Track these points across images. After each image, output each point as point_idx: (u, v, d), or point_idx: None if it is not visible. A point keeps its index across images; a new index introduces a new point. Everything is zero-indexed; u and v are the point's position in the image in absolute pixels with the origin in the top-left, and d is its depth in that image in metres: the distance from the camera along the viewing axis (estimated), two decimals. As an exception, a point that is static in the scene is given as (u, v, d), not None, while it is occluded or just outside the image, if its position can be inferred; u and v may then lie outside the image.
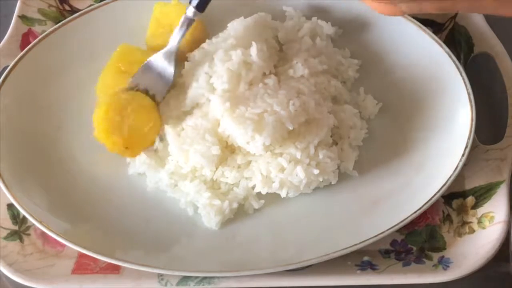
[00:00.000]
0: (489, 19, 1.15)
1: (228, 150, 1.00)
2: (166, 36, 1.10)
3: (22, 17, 1.18)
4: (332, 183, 0.99)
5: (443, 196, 0.97)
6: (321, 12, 1.16)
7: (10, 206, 0.98)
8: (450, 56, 1.06)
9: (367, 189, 0.99)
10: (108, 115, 0.99)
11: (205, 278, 0.90)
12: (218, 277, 0.90)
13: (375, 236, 0.90)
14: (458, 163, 0.95)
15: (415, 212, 0.92)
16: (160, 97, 1.04)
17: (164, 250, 0.94)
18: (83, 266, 0.93)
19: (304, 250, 0.92)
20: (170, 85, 1.05)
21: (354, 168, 1.01)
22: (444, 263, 0.92)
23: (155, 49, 1.08)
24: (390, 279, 0.90)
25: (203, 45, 1.10)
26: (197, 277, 0.90)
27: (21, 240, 0.97)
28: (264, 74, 1.05)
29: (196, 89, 1.04)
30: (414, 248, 0.96)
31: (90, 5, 1.18)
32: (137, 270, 0.90)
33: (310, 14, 1.15)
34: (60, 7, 1.23)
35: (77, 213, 0.97)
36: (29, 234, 0.98)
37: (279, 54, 1.11)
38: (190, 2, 1.04)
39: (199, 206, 0.97)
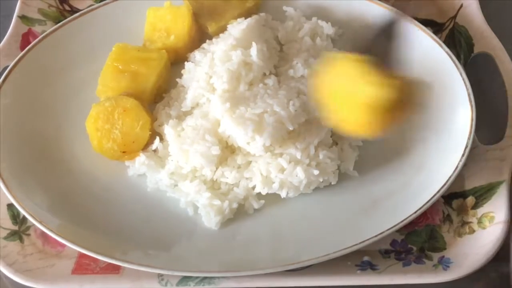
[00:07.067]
0: (489, 19, 1.15)
1: (228, 150, 1.00)
2: (163, 39, 1.10)
3: (22, 17, 1.18)
4: (332, 183, 0.99)
5: (443, 196, 0.97)
6: (321, 12, 1.15)
7: (10, 206, 0.98)
8: (450, 56, 1.06)
9: (367, 189, 0.99)
10: (97, 126, 1.00)
11: (205, 278, 0.90)
12: (218, 277, 0.90)
13: (375, 236, 0.90)
14: (458, 163, 0.95)
15: (415, 212, 0.92)
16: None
17: (164, 250, 0.95)
18: (83, 266, 0.93)
19: (304, 250, 0.92)
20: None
21: (354, 168, 1.01)
22: (444, 263, 0.92)
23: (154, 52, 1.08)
24: (390, 279, 0.90)
25: (203, 45, 1.10)
26: (197, 277, 0.90)
27: (21, 240, 0.96)
28: (264, 74, 1.05)
29: (196, 89, 1.04)
30: (414, 248, 0.96)
31: (90, 5, 1.18)
32: (137, 270, 0.90)
33: (310, 14, 1.15)
34: (60, 7, 1.23)
35: (77, 213, 0.97)
36: (29, 234, 0.97)
37: (279, 54, 1.11)
38: None
39: (199, 206, 0.97)
